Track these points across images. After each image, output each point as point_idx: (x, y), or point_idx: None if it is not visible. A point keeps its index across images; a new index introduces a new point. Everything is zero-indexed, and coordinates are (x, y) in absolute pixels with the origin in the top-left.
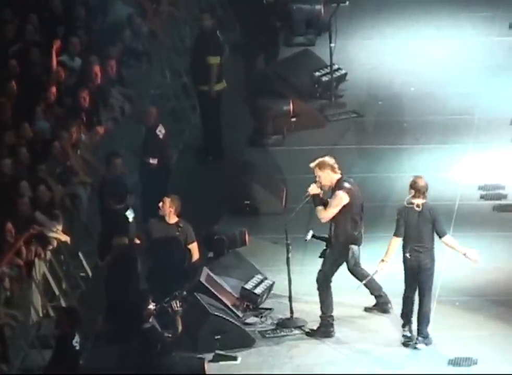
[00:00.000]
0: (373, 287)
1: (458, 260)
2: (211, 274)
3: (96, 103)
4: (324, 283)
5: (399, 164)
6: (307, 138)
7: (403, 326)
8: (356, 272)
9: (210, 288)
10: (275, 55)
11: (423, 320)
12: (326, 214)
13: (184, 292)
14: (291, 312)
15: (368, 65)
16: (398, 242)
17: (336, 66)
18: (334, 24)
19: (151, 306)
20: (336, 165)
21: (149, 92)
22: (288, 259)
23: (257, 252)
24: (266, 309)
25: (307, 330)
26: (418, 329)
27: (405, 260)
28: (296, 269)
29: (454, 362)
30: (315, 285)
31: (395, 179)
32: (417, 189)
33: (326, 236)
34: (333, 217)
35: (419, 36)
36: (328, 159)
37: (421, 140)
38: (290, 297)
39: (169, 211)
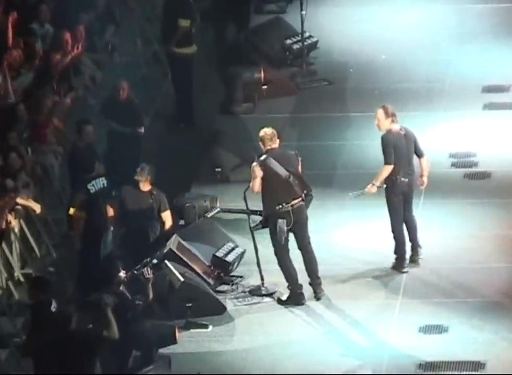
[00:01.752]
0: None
1: (429, 228)
2: (182, 241)
3: (67, 70)
4: (277, 256)
5: (370, 131)
6: (278, 106)
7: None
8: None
9: (181, 256)
10: (246, 23)
11: (416, 233)
12: (252, 186)
13: (155, 260)
14: (261, 279)
15: (339, 33)
16: (390, 168)
17: (307, 34)
18: None
19: (122, 273)
20: (265, 138)
21: (120, 60)
22: (250, 227)
23: (228, 219)
24: (237, 276)
25: (276, 298)
26: (414, 244)
27: (396, 187)
28: (266, 236)
29: (425, 330)
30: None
31: (367, 147)
32: (390, 114)
33: (235, 209)
34: (261, 190)
35: (390, 3)
36: (262, 130)
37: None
38: (258, 265)
39: (146, 178)
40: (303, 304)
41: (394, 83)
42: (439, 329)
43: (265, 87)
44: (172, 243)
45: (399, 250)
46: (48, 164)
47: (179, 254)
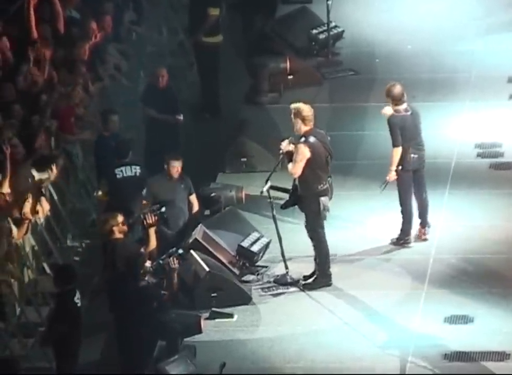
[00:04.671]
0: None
1: (455, 218)
2: (208, 231)
3: (93, 60)
4: (314, 236)
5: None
6: (304, 96)
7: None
8: None
9: (207, 246)
10: (272, 13)
11: (426, 211)
12: (294, 170)
13: (181, 250)
14: (286, 268)
15: (365, 23)
16: (399, 151)
17: (333, 24)
18: None
19: (148, 263)
20: (309, 117)
21: (145, 50)
22: (273, 216)
23: (254, 210)
24: (263, 266)
25: (304, 283)
26: (423, 221)
27: (409, 163)
28: (289, 226)
29: (450, 320)
30: (307, 240)
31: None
32: (393, 97)
33: (287, 187)
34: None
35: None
36: (305, 108)
37: (417, 98)
38: (282, 254)
39: (177, 170)
40: (330, 285)
41: (420, 73)
42: (464, 319)
43: (290, 77)
44: (198, 233)
45: (404, 225)
46: (73, 153)
47: (204, 244)
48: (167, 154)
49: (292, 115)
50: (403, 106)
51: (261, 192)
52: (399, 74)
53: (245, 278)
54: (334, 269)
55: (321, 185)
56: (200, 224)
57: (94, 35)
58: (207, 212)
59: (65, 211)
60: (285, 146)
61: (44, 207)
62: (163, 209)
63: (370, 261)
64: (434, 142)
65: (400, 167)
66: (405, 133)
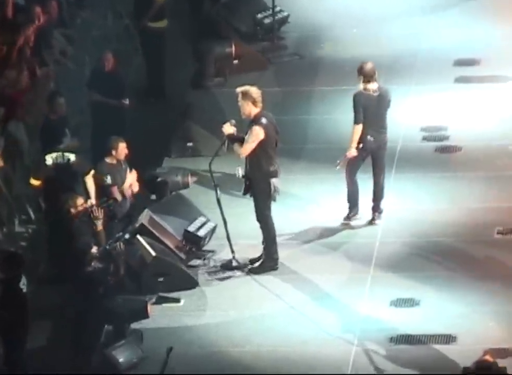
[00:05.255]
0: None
1: (400, 201)
2: (154, 216)
3: (38, 45)
4: (262, 218)
5: (341, 105)
6: (249, 80)
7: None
8: None
9: (153, 231)
10: None
11: (381, 196)
12: (244, 150)
13: (127, 235)
14: (232, 252)
15: (310, 7)
16: (360, 128)
17: (278, 8)
18: None
19: (94, 249)
20: (259, 99)
21: (91, 34)
22: (218, 200)
23: (199, 194)
24: (209, 251)
25: (250, 267)
26: (375, 205)
27: (364, 144)
28: (236, 210)
29: (397, 303)
30: (254, 225)
31: (338, 121)
32: (365, 74)
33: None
34: (250, 154)
35: None
36: (254, 90)
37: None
38: (228, 238)
39: (126, 151)
40: (277, 268)
41: (365, 57)
42: (411, 302)
43: (236, 61)
44: (144, 218)
45: (348, 199)
46: (19, 138)
47: (151, 228)
48: (115, 137)
49: (240, 98)
50: (373, 86)
51: (238, 177)
52: (344, 58)
53: (191, 263)
54: (281, 253)
55: (272, 166)
56: (147, 209)
57: (39, 20)
58: (153, 196)
59: (11, 196)
60: (227, 128)
61: None
62: (110, 202)
63: (317, 245)
64: None
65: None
66: (367, 112)
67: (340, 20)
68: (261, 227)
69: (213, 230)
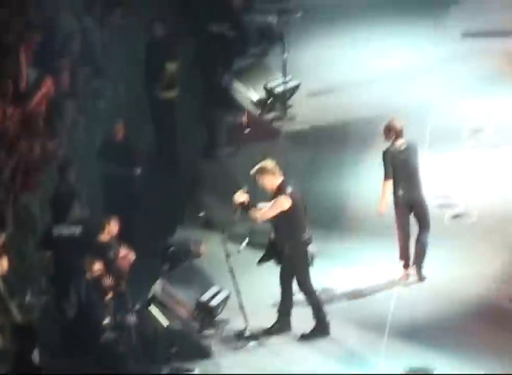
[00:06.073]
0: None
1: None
2: (167, 286)
3: (50, 115)
4: (304, 286)
5: (350, 173)
6: (261, 150)
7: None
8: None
9: (166, 301)
10: (229, 66)
11: (421, 253)
12: (263, 215)
13: (138, 305)
14: (245, 321)
15: (322, 76)
16: (390, 184)
17: (289, 77)
18: (287, 34)
19: (107, 320)
20: (275, 169)
21: (102, 105)
22: (230, 269)
23: (213, 263)
24: (222, 321)
25: (301, 334)
26: (417, 262)
27: (396, 199)
28: (249, 279)
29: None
30: (266, 295)
31: (348, 189)
32: (395, 130)
33: (264, 242)
34: (280, 224)
35: (372, 47)
36: (267, 164)
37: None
38: (241, 307)
39: (116, 229)
40: (329, 334)
41: (375, 123)
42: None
43: (247, 130)
44: (157, 288)
45: (401, 256)
46: (32, 210)
47: (164, 298)
48: (106, 214)
49: (258, 177)
50: (400, 141)
51: (239, 251)
52: (354, 128)
53: (205, 332)
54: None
55: (306, 233)
56: (160, 279)
57: (51, 91)
58: (166, 266)
59: (24, 267)
60: (239, 196)
61: (3, 264)
62: (137, 306)
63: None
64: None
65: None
66: (396, 168)
67: (351, 89)
68: (307, 298)
69: (226, 299)
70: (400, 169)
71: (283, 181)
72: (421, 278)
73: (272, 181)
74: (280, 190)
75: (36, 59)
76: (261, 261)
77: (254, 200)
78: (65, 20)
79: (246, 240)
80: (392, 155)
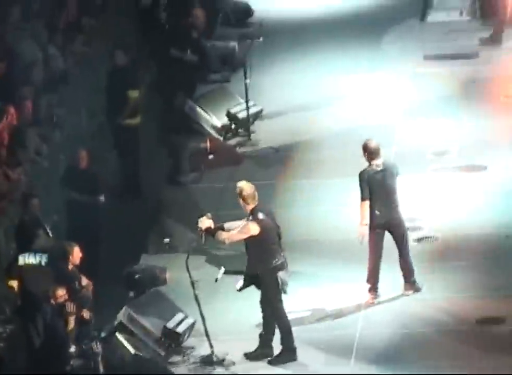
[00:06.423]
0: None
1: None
2: (133, 313)
3: (12, 144)
4: (275, 312)
5: (315, 197)
6: (225, 175)
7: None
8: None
9: (132, 328)
10: (192, 92)
11: (409, 269)
12: (230, 237)
13: (104, 333)
14: (211, 347)
15: (283, 101)
16: (367, 204)
17: (251, 103)
18: (248, 60)
19: (72, 348)
20: (250, 195)
21: (65, 133)
22: (195, 296)
23: (178, 290)
24: (188, 347)
25: (269, 359)
26: (406, 278)
27: (372, 220)
28: (214, 306)
29: None
30: (231, 321)
31: (315, 212)
32: (370, 151)
33: (240, 270)
34: (251, 249)
35: (334, 70)
36: (244, 187)
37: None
38: (206, 333)
39: (79, 257)
40: (296, 359)
41: (344, 151)
42: None
43: (211, 156)
44: (123, 315)
45: (370, 274)
46: None
47: (130, 326)
48: (68, 242)
49: (238, 195)
50: (377, 162)
51: (216, 279)
52: (318, 152)
53: (171, 359)
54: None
55: (277, 260)
56: (125, 306)
57: (13, 120)
58: (131, 294)
59: None
60: (204, 222)
61: None
62: (103, 334)
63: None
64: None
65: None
66: (372, 188)
67: (313, 113)
68: (276, 320)
69: (192, 326)
70: (377, 189)
71: (255, 207)
72: (417, 289)
73: (245, 205)
74: (251, 216)
75: None
76: (242, 287)
77: (219, 223)
78: (27, 48)
79: (222, 268)
80: (369, 176)
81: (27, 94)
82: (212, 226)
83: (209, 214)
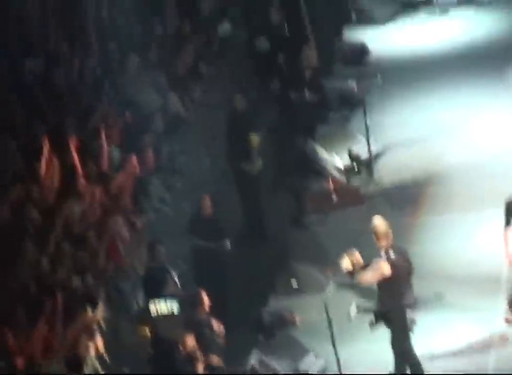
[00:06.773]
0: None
1: None
2: (263, 357)
3: (136, 193)
4: (401, 350)
5: (448, 232)
6: (348, 216)
7: None
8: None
9: (263, 371)
10: (312, 133)
11: None
12: (363, 277)
13: None
14: None
15: (404, 138)
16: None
17: (372, 140)
18: (367, 99)
19: None
20: (381, 233)
21: (188, 180)
22: (332, 336)
23: (307, 332)
24: None
25: None
26: None
27: None
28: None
29: None
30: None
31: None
32: None
33: (371, 307)
34: (382, 287)
35: (453, 106)
36: (377, 224)
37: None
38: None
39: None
40: None
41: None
42: None
43: (334, 197)
44: (254, 359)
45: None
46: (122, 287)
47: (261, 369)
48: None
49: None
50: None
51: (350, 318)
52: (439, 186)
53: None
54: None
55: (407, 298)
56: (255, 350)
57: (136, 169)
58: (260, 336)
59: (119, 345)
60: (345, 263)
61: (98, 343)
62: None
63: None
64: None
65: None
66: None
67: (437, 151)
68: (406, 361)
69: (324, 369)
70: None
71: (388, 245)
72: None
73: (379, 243)
74: (384, 254)
75: (122, 137)
76: (373, 324)
77: (361, 264)
78: (148, 96)
79: (354, 305)
80: None
81: (148, 142)
82: (357, 265)
83: (351, 252)
